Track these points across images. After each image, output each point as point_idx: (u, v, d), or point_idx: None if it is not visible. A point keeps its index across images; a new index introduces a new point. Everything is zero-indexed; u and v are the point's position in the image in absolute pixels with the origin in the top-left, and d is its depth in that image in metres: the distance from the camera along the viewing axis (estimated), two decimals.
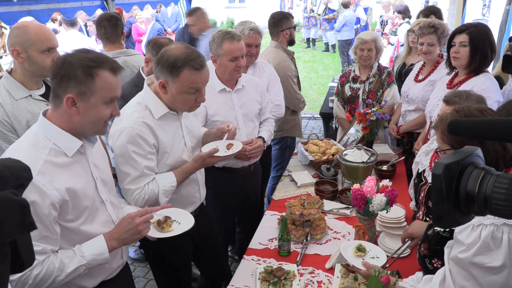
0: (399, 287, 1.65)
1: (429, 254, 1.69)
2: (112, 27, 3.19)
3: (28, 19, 3.28)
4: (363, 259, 1.87)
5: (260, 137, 2.72)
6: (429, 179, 2.16)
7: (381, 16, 9.38)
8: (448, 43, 2.71)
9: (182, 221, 1.82)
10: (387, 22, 8.89)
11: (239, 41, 2.47)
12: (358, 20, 10.77)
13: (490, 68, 3.16)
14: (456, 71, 2.78)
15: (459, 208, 0.79)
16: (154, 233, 1.73)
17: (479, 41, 2.55)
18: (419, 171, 2.31)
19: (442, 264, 1.51)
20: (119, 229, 1.60)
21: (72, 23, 5.36)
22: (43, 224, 1.40)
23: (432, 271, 1.59)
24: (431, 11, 4.42)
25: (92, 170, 1.60)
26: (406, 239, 1.98)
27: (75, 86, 1.43)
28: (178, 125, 2.08)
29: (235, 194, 2.82)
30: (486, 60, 2.62)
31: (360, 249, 1.94)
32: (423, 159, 2.29)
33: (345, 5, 10.81)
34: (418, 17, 4.73)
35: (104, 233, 1.59)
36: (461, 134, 0.91)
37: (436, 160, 0.79)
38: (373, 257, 1.92)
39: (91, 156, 1.62)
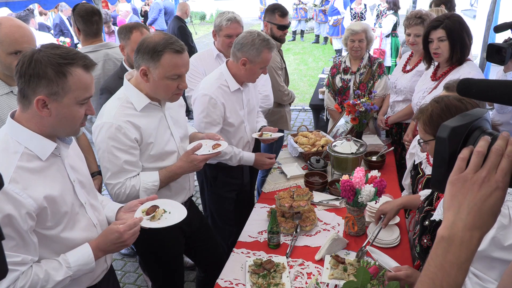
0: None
1: (433, 245, 1.68)
2: (96, 21, 3.10)
3: (5, 10, 3.15)
4: None
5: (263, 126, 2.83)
6: (427, 172, 2.15)
7: (352, 9, 9.14)
8: (425, 39, 2.68)
9: (174, 212, 1.76)
10: (361, 14, 8.82)
11: (272, 51, 2.52)
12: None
13: (478, 59, 3.15)
14: (437, 63, 2.77)
15: None
16: (147, 223, 1.66)
17: (456, 32, 2.56)
18: (415, 163, 2.30)
19: None
20: (105, 241, 1.53)
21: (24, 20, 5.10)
22: (19, 235, 1.32)
23: None
24: (441, 1, 4.38)
25: (68, 173, 1.50)
26: (381, 216, 2.05)
27: (46, 86, 1.32)
28: (162, 116, 2.05)
29: (232, 185, 2.82)
30: (466, 49, 2.62)
31: None
32: (419, 150, 2.27)
33: None
34: (430, 6, 4.69)
35: (90, 242, 1.52)
36: (472, 95, 0.84)
37: (443, 123, 0.74)
38: None
39: (67, 158, 1.51)
